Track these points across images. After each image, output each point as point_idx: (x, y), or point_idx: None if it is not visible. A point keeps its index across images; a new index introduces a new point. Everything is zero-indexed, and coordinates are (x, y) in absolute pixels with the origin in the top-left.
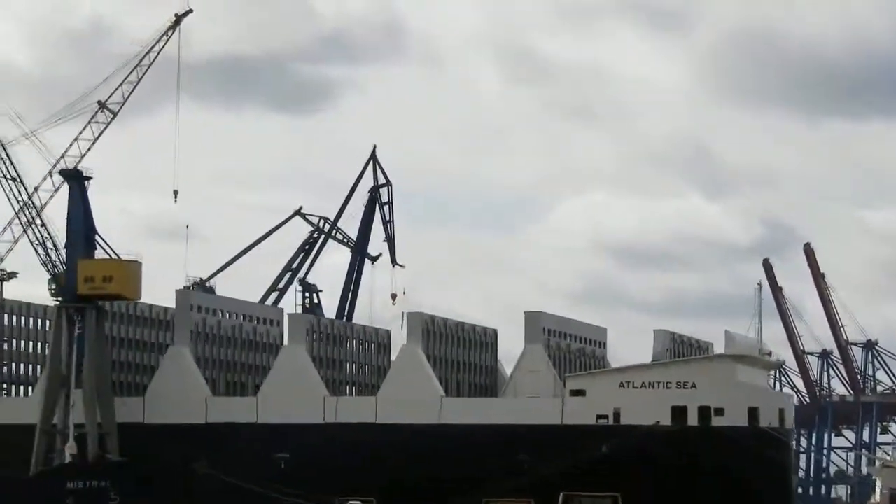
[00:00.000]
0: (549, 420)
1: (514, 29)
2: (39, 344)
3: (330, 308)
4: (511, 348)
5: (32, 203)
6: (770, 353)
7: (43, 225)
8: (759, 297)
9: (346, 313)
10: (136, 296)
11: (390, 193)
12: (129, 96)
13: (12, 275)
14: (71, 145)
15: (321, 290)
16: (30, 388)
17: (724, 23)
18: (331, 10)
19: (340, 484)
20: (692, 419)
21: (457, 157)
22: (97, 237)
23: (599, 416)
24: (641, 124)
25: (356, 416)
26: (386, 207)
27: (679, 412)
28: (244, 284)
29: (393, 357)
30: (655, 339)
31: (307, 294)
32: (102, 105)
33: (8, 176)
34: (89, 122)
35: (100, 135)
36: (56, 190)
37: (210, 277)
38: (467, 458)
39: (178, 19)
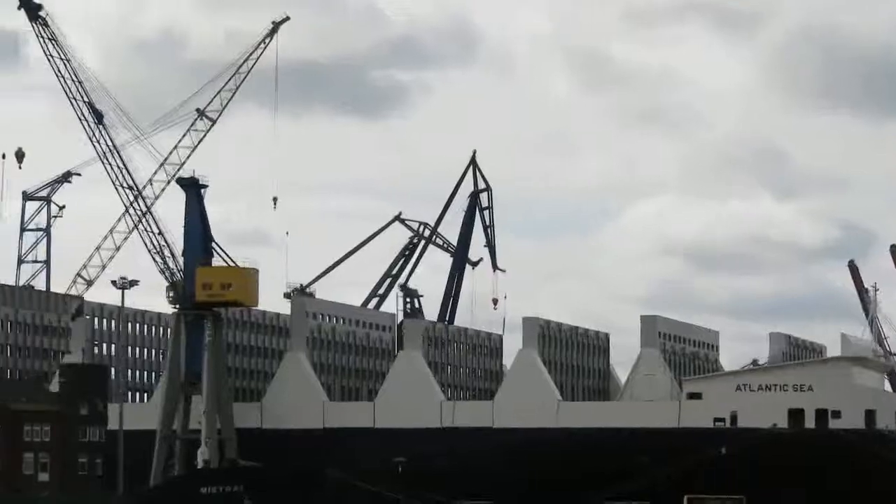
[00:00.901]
0: (666, 423)
1: (584, 33)
2: (154, 351)
3: (430, 313)
4: None
5: (150, 212)
6: (886, 356)
7: (160, 233)
8: (874, 300)
9: (447, 318)
10: (253, 302)
11: (490, 198)
12: (227, 104)
13: (134, 282)
14: (171, 153)
15: (422, 295)
16: (145, 395)
17: (792, 23)
18: (401, 14)
19: (458, 488)
20: (809, 422)
21: (527, 160)
22: (214, 244)
23: (716, 419)
24: (710, 126)
25: (473, 421)
26: (486, 212)
27: (796, 415)
28: (343, 290)
29: (504, 361)
30: (771, 342)
31: (408, 299)
32: (201, 113)
33: (125, 184)
34: (188, 130)
35: (199, 142)
36: (156, 197)
37: (310, 284)
38: (585, 462)
39: (276, 27)
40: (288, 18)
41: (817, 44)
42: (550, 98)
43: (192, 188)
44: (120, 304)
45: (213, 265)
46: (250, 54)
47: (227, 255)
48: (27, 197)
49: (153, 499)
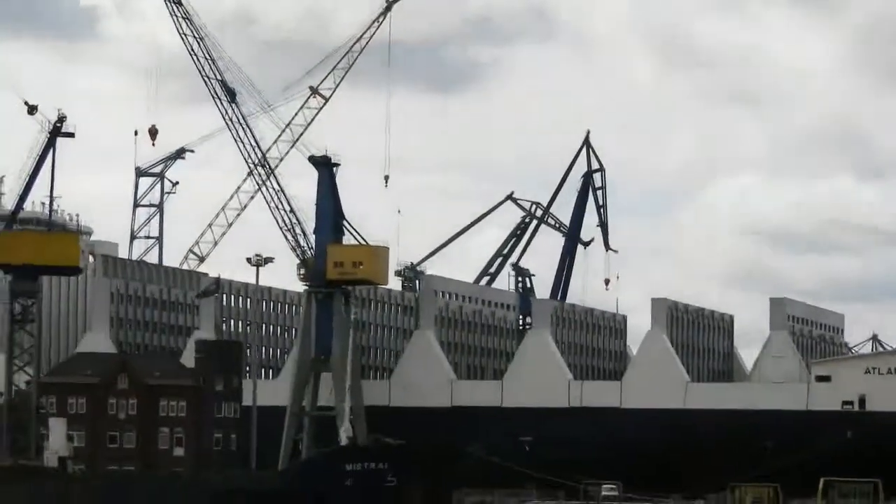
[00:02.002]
0: (794, 406)
1: (666, 12)
2: (279, 328)
3: (541, 292)
4: None
5: (282, 189)
6: None
7: (292, 211)
8: None
9: (558, 297)
10: (384, 280)
11: (603, 178)
12: (340, 82)
13: (268, 260)
14: (283, 131)
15: (534, 275)
16: (270, 372)
17: (877, 3)
18: None
19: (585, 467)
20: None
21: (609, 141)
22: (345, 223)
23: (845, 402)
24: (794, 106)
25: (601, 401)
26: (599, 192)
27: None
28: (453, 269)
29: (629, 342)
30: None
31: (519, 278)
32: (314, 91)
33: (257, 162)
34: (301, 108)
35: (312, 120)
36: (268, 175)
37: (420, 262)
38: (712, 444)
39: (389, 5)
40: None
41: None
42: (631, 77)
43: (325, 166)
44: (245, 281)
45: (343, 243)
46: (363, 33)
47: (358, 233)
48: (140, 173)
49: (299, 474)
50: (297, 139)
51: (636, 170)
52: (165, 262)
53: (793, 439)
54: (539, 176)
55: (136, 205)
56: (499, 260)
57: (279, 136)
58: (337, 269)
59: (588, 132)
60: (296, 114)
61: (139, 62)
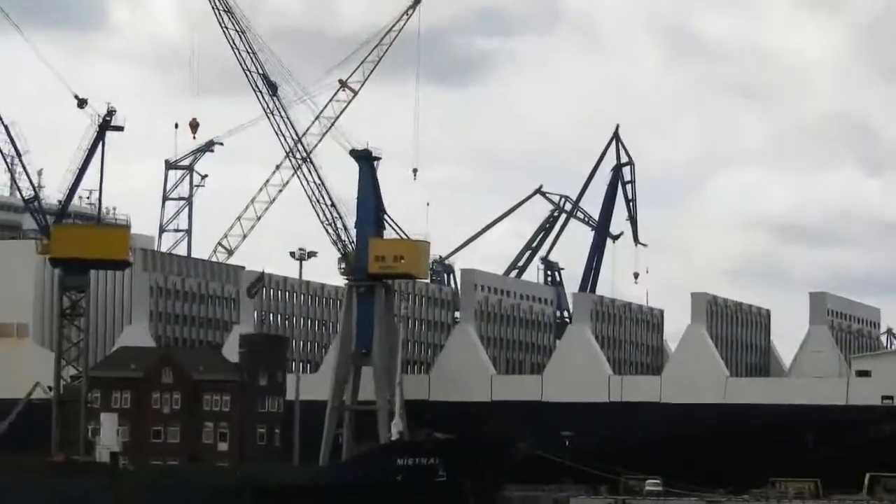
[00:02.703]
0: (833, 400)
1: (672, 4)
2: (317, 322)
3: (570, 286)
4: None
5: (322, 182)
6: None
7: (333, 205)
8: None
9: (587, 291)
10: (424, 275)
11: (633, 172)
12: (369, 75)
13: (311, 254)
14: (312, 124)
15: (563, 268)
16: (308, 366)
17: None
18: None
19: (625, 462)
20: None
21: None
22: (386, 217)
23: (885, 397)
24: (798, 99)
25: (641, 396)
26: (628, 186)
27: None
28: (481, 262)
29: (665, 336)
30: None
31: (549, 272)
32: (343, 84)
33: (300, 157)
34: (330, 101)
35: (341, 113)
36: (298, 168)
37: (449, 255)
38: (752, 438)
39: None
40: None
41: None
42: (636, 69)
43: (366, 160)
44: (283, 275)
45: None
46: (393, 25)
47: (399, 227)
48: (169, 166)
49: (351, 468)
50: (325, 133)
51: (646, 163)
52: (194, 255)
53: (833, 434)
54: (566, 170)
55: (164, 198)
56: (527, 253)
57: (307, 129)
58: (378, 262)
59: (617, 126)
60: (324, 107)
61: (153, 55)
